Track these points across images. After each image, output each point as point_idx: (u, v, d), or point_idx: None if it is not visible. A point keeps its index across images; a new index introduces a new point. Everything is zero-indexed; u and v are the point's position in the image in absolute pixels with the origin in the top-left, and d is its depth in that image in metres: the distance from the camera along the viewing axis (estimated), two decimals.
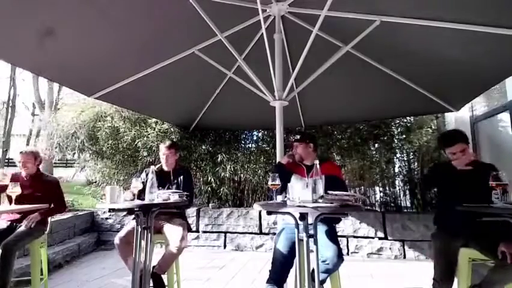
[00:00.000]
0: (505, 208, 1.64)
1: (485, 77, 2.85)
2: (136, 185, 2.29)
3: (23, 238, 2.46)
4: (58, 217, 4.29)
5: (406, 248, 4.02)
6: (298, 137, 2.43)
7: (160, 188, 2.36)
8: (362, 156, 4.75)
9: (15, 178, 2.65)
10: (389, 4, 2.27)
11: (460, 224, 2.01)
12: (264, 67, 2.53)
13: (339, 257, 1.93)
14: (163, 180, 2.66)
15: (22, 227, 2.51)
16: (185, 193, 2.32)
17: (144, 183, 2.35)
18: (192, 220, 4.65)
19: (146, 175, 2.58)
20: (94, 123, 5.31)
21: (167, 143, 2.78)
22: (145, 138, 5.02)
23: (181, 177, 2.73)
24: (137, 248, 2.00)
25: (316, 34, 2.32)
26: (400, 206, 4.63)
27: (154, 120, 5.10)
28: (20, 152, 2.72)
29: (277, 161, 2.61)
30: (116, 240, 2.39)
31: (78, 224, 4.59)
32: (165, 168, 2.79)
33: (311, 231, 1.60)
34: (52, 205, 2.72)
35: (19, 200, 2.43)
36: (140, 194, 2.35)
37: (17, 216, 2.60)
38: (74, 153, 5.48)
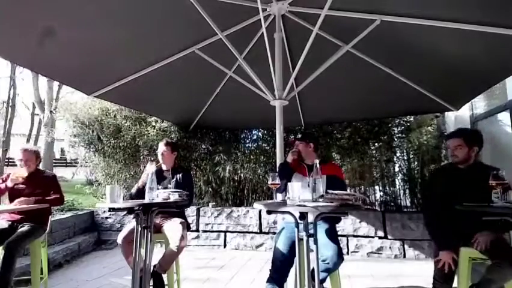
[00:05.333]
0: (504, 207, 1.64)
1: (485, 77, 2.84)
2: (151, 168, 2.59)
3: (26, 238, 2.47)
4: (58, 217, 4.31)
5: (406, 247, 4.02)
6: (299, 135, 2.44)
7: (159, 186, 2.38)
8: (361, 155, 4.75)
9: (13, 178, 2.66)
10: (389, 3, 2.27)
11: (461, 224, 2.01)
12: (264, 66, 2.53)
13: (339, 256, 1.93)
14: (162, 178, 2.72)
15: (24, 227, 2.52)
16: (185, 192, 2.32)
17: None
18: (191, 219, 4.65)
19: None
20: (101, 119, 5.31)
21: (164, 140, 2.86)
22: (145, 137, 5.02)
23: (180, 175, 2.75)
24: (137, 248, 2.01)
25: (317, 33, 2.32)
26: (400, 205, 4.63)
27: (154, 118, 5.10)
28: (25, 150, 2.73)
29: (277, 161, 2.61)
30: (119, 240, 2.39)
31: (78, 223, 4.58)
32: (164, 167, 2.82)
33: (311, 231, 1.61)
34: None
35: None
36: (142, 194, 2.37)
37: (18, 216, 2.61)
38: (85, 146, 5.44)
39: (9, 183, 2.57)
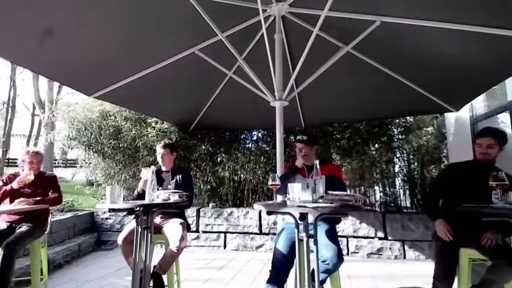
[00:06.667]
0: (504, 208, 1.64)
1: (485, 78, 2.85)
2: (145, 173, 2.46)
3: (24, 238, 2.46)
4: (58, 217, 4.31)
5: (406, 248, 4.02)
6: (305, 138, 2.38)
7: (159, 187, 2.38)
8: (362, 156, 4.75)
9: (13, 179, 2.67)
10: (389, 5, 2.27)
11: (462, 224, 2.01)
12: (264, 67, 2.53)
13: (339, 257, 1.93)
14: (162, 179, 2.72)
15: (22, 228, 2.52)
16: (185, 193, 2.32)
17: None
18: (191, 220, 4.65)
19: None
20: (100, 122, 5.31)
21: (162, 142, 2.83)
22: (145, 138, 5.02)
23: (180, 176, 2.75)
24: (137, 248, 2.01)
25: (317, 34, 2.32)
26: (400, 206, 4.63)
27: (154, 119, 5.10)
28: (37, 153, 2.77)
29: (277, 162, 2.61)
30: (119, 241, 2.39)
31: (78, 224, 4.58)
32: (164, 168, 2.82)
33: (311, 231, 1.60)
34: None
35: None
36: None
37: (17, 217, 2.61)
38: (85, 148, 5.43)
39: (15, 185, 2.58)
